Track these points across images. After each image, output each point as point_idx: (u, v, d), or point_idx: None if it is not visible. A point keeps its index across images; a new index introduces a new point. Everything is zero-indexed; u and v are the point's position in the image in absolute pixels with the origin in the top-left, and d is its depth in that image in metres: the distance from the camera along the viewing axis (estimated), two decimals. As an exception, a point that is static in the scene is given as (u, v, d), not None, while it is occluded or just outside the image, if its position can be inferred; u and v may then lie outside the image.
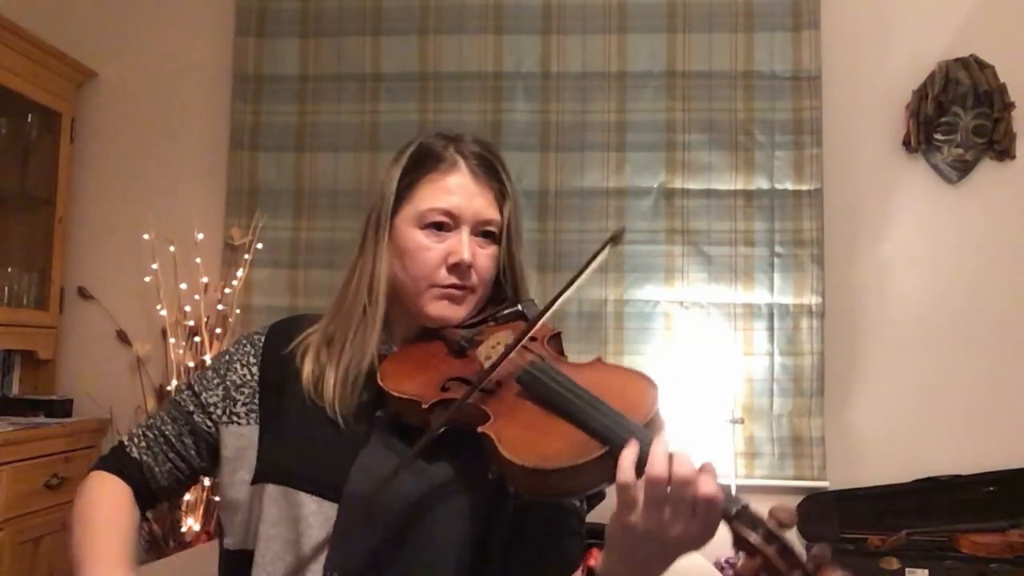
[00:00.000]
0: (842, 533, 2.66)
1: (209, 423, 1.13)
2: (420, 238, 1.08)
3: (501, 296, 1.15)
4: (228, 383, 1.14)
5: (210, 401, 1.13)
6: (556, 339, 1.10)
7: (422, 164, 1.11)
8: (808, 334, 2.85)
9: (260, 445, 1.09)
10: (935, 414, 2.82)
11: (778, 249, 2.88)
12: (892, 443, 2.82)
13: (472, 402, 0.95)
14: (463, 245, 1.07)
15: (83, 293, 3.12)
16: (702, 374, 2.84)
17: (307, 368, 1.10)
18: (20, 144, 2.98)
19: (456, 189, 1.09)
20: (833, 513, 2.71)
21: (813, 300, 2.85)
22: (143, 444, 1.14)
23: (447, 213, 1.08)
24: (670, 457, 0.80)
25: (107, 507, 1.09)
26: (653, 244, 2.92)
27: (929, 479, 2.73)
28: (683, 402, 2.77)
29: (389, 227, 1.11)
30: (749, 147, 2.92)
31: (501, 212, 1.11)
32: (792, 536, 0.80)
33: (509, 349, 0.97)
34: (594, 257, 0.99)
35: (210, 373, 1.16)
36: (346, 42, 3.06)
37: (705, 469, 0.81)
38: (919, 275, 2.88)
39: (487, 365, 0.99)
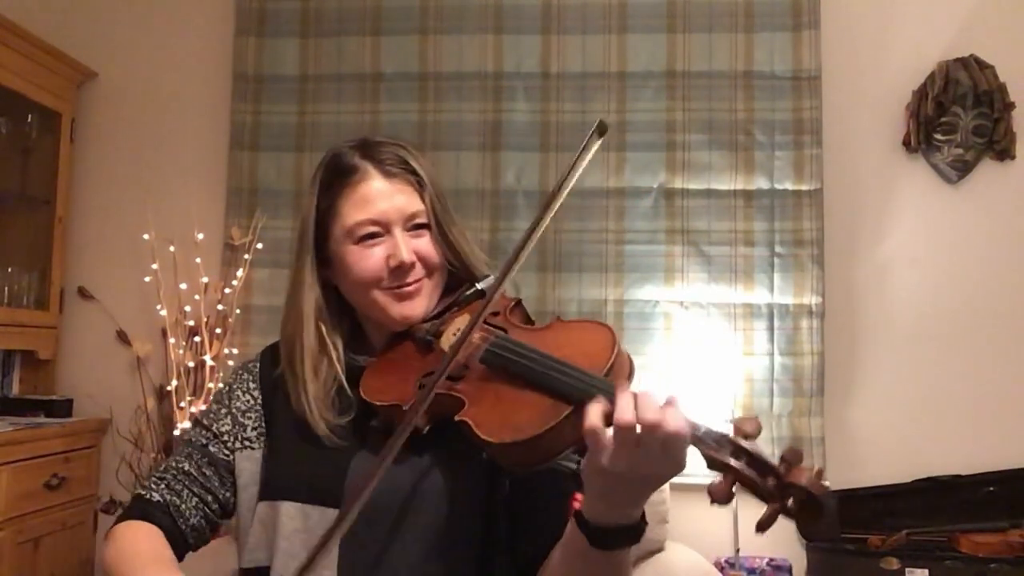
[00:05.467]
0: (842, 533, 2.66)
1: (226, 451, 1.14)
2: (356, 252, 1.10)
3: (457, 282, 1.16)
4: (234, 411, 1.16)
5: (222, 431, 1.15)
6: (518, 307, 1.11)
7: (336, 180, 1.11)
8: (808, 334, 2.84)
9: (265, 464, 1.11)
10: (935, 414, 2.82)
11: (778, 249, 2.88)
12: (892, 443, 2.82)
13: (444, 392, 0.97)
14: (400, 247, 1.08)
15: (83, 293, 3.12)
16: (702, 374, 2.84)
17: (290, 391, 1.11)
18: (20, 144, 2.97)
19: (375, 196, 1.09)
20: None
21: (813, 300, 2.85)
22: (163, 486, 1.12)
23: (374, 222, 1.09)
24: (635, 402, 0.82)
25: (144, 538, 1.07)
26: (653, 244, 2.92)
27: (929, 479, 2.73)
28: (683, 402, 2.77)
29: (318, 252, 1.13)
30: (749, 147, 2.92)
31: (423, 200, 1.11)
32: (759, 446, 0.80)
33: (464, 334, 0.98)
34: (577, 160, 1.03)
35: (214, 407, 1.18)
36: (346, 42, 3.06)
37: (670, 403, 0.83)
38: (919, 275, 2.88)
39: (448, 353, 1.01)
